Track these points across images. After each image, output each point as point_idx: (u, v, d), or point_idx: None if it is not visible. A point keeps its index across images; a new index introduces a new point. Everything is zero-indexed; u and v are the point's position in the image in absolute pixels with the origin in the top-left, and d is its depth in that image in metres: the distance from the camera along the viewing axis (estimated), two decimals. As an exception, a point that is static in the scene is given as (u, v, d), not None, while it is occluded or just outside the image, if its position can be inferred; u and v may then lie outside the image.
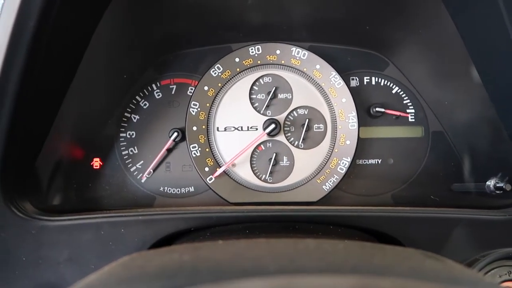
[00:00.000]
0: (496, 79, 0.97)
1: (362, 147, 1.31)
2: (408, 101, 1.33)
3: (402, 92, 1.33)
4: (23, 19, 0.73)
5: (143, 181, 1.32)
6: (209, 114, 1.30)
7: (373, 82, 1.34)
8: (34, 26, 0.74)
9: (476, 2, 0.89)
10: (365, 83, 1.34)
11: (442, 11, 1.01)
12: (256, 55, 1.29)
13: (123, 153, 1.32)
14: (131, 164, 1.32)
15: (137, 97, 1.33)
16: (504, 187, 1.05)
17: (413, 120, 1.32)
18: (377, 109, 1.30)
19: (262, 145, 1.31)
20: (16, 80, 0.80)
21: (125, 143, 1.32)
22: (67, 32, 0.90)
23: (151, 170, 1.31)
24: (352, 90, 1.29)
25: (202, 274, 0.49)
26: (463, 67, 1.04)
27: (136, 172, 1.32)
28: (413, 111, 1.33)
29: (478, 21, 0.93)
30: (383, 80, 1.34)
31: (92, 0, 0.95)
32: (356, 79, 1.34)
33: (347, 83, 1.30)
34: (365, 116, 1.33)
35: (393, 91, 1.34)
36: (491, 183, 1.09)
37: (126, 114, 1.33)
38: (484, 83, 1.00)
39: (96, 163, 1.31)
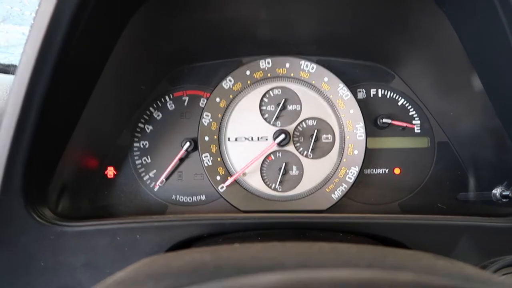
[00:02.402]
0: (500, 90, 1.00)
1: (370, 157, 1.35)
2: (414, 112, 1.37)
3: (408, 104, 1.37)
4: (53, 32, 0.77)
5: (155, 189, 1.35)
6: (220, 124, 1.33)
7: (380, 94, 1.38)
8: (62, 40, 0.78)
9: (478, 15, 0.92)
10: (372, 95, 1.38)
11: (445, 24, 1.04)
12: (266, 68, 1.34)
13: (137, 162, 1.36)
14: (144, 173, 1.36)
15: (150, 108, 1.37)
16: (510, 195, 1.07)
17: (419, 131, 1.36)
18: (384, 120, 1.34)
19: (272, 155, 1.35)
20: (42, 92, 0.83)
21: (138, 153, 1.36)
22: (91, 45, 0.94)
23: (164, 179, 1.35)
24: (360, 102, 1.33)
25: (225, 269, 0.52)
26: (467, 78, 1.07)
27: (149, 181, 1.35)
28: (418, 122, 1.36)
29: (481, 33, 0.95)
30: (389, 92, 1.38)
31: (114, 17, 0.99)
32: (363, 91, 1.38)
33: (355, 95, 1.34)
34: (372, 127, 1.36)
35: (399, 103, 1.37)
36: (497, 191, 1.12)
37: (140, 124, 1.37)
38: (488, 94, 1.03)
39: (110, 172, 1.34)
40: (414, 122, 1.36)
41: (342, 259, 0.59)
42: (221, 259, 0.58)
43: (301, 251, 0.63)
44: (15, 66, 1.39)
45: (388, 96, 1.38)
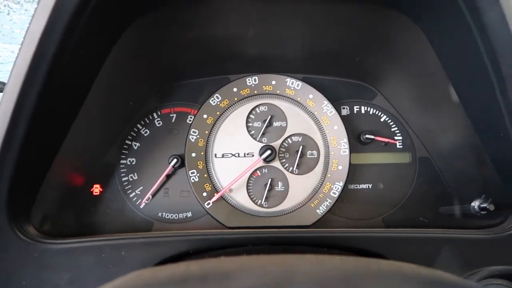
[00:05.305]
0: (475, 106, 1.03)
1: (354, 172, 1.37)
2: (396, 128, 1.40)
3: (389, 120, 1.41)
4: (44, 47, 0.79)
5: (141, 206, 1.35)
6: (207, 141, 1.35)
7: (363, 111, 1.42)
8: (53, 54, 0.79)
9: (452, 30, 0.94)
10: (355, 111, 1.42)
11: (423, 39, 1.06)
12: (253, 85, 1.37)
13: (123, 179, 1.36)
14: (130, 190, 1.35)
15: (138, 125, 1.38)
16: (488, 207, 1.10)
17: (401, 146, 1.39)
18: (367, 136, 1.37)
19: (258, 171, 1.36)
20: (30, 109, 0.83)
21: (125, 170, 1.36)
22: (81, 61, 0.95)
23: (150, 196, 1.35)
24: (343, 118, 1.36)
25: (212, 276, 0.53)
26: (445, 94, 1.10)
27: (135, 198, 1.35)
28: (400, 138, 1.40)
29: (455, 48, 0.98)
30: (371, 109, 1.42)
31: (106, 34, 1.01)
32: (346, 108, 1.42)
33: (339, 111, 1.38)
34: (356, 143, 1.39)
35: (382, 119, 1.41)
36: (475, 204, 1.14)
37: (127, 141, 1.37)
38: (465, 110, 1.07)
39: (96, 189, 1.34)
40: (396, 138, 1.40)
41: (325, 264, 0.60)
42: (208, 268, 0.59)
43: (286, 259, 0.64)
44: (3, 84, 1.38)
45: (371, 113, 1.42)
